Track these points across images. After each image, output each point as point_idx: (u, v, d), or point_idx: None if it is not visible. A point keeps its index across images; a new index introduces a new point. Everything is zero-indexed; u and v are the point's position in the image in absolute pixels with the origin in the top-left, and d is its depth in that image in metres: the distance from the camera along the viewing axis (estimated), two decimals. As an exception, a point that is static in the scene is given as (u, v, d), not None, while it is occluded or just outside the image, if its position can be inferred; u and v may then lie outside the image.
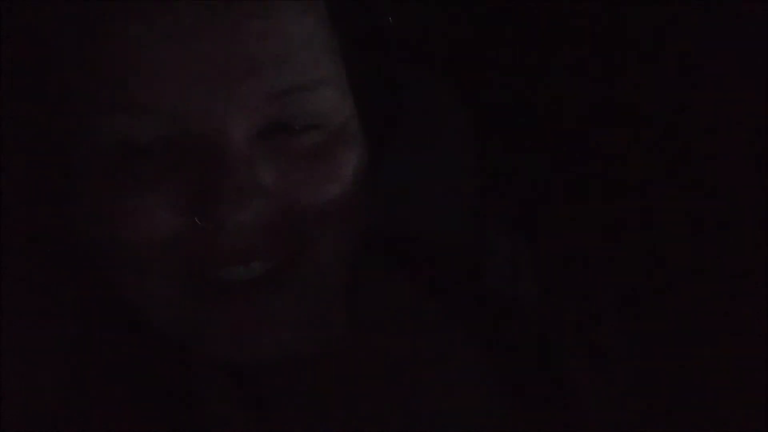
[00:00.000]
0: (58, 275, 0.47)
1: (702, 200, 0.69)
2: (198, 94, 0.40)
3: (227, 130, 0.40)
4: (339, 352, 0.48)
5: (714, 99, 0.71)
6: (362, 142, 0.46)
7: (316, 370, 0.48)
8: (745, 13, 0.72)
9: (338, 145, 0.44)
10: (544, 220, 0.68)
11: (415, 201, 0.52)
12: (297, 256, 0.44)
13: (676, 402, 0.60)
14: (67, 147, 0.43)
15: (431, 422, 0.48)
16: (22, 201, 0.46)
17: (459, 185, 0.63)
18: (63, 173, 0.44)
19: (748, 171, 0.69)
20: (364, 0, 0.47)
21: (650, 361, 0.60)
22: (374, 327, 0.50)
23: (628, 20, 0.76)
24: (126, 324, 0.47)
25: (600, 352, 0.58)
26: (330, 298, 0.46)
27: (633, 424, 0.56)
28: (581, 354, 0.56)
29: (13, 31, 0.43)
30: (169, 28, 0.39)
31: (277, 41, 0.41)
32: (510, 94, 0.75)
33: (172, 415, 0.45)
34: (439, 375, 0.50)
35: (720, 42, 0.72)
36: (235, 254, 0.42)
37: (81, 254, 0.46)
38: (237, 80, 0.40)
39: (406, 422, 0.48)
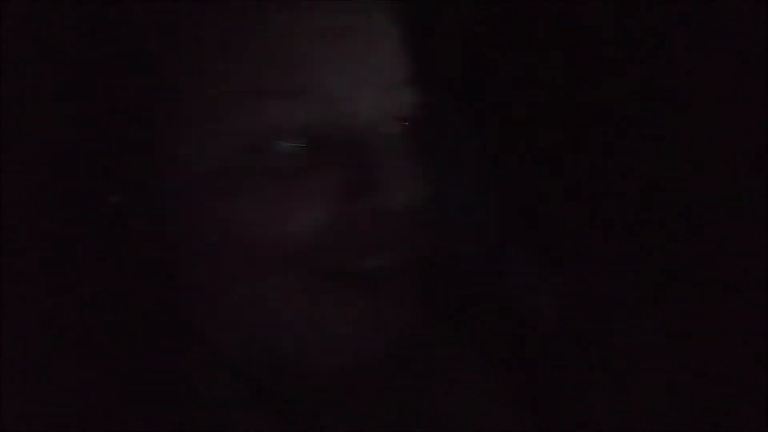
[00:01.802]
0: (72, 275, 0.47)
1: (721, 206, 0.69)
2: (350, 85, 0.43)
3: (372, 120, 0.43)
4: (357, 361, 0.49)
5: (713, 99, 0.71)
6: None
7: (331, 377, 0.48)
8: (745, 13, 0.72)
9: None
10: (561, 237, 0.68)
11: (433, 219, 0.52)
12: (400, 252, 0.45)
13: (693, 418, 0.60)
14: (199, 148, 0.43)
15: None
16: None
17: (476, 203, 0.64)
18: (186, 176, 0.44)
19: (749, 171, 0.69)
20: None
21: (668, 376, 0.61)
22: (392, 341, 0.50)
23: (628, 21, 0.76)
24: (135, 325, 0.46)
25: (618, 368, 0.58)
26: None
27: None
28: (599, 370, 0.56)
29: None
30: (334, 28, 0.42)
31: (392, 42, 0.45)
32: (523, 116, 0.75)
33: (186, 418, 0.45)
34: (456, 391, 0.51)
35: (720, 42, 0.72)
36: (370, 243, 0.43)
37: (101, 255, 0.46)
38: (377, 74, 0.44)
39: None
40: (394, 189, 0.42)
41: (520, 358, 0.53)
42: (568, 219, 0.72)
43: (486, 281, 0.58)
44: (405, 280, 0.45)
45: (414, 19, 0.47)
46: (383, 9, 0.45)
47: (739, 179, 0.69)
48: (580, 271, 0.66)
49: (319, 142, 0.43)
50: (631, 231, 0.72)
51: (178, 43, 0.42)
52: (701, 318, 0.68)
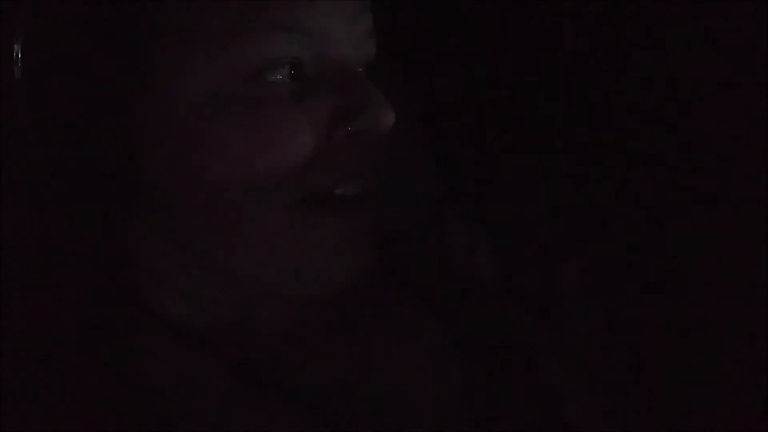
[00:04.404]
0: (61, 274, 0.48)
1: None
2: (340, 25, 0.47)
3: (356, 59, 0.48)
4: (311, 327, 0.52)
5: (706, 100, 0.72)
6: None
7: (292, 346, 0.51)
8: (745, 12, 0.72)
9: None
10: (498, 204, 0.70)
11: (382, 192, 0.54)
12: (375, 179, 0.49)
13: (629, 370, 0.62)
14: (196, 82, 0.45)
15: (395, 396, 0.52)
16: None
17: (418, 174, 0.66)
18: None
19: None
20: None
21: (608, 332, 0.62)
22: (343, 307, 0.53)
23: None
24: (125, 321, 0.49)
25: (558, 326, 0.60)
26: None
27: (594, 397, 0.58)
28: (538, 328, 0.59)
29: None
30: None
31: None
32: (464, 89, 0.77)
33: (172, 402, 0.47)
34: (403, 352, 0.54)
35: (719, 42, 0.72)
36: (346, 170, 0.47)
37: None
38: (362, 20, 0.48)
39: (370, 395, 0.51)
40: (376, 115, 0.46)
41: (460, 313, 0.56)
42: (510, 193, 0.74)
43: (428, 243, 0.61)
44: (373, 207, 0.48)
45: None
46: None
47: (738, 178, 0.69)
48: (517, 237, 0.68)
49: (310, 73, 0.46)
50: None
51: None
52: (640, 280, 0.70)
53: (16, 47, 0.46)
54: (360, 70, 0.48)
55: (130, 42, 0.45)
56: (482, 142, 0.76)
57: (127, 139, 0.46)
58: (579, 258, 0.63)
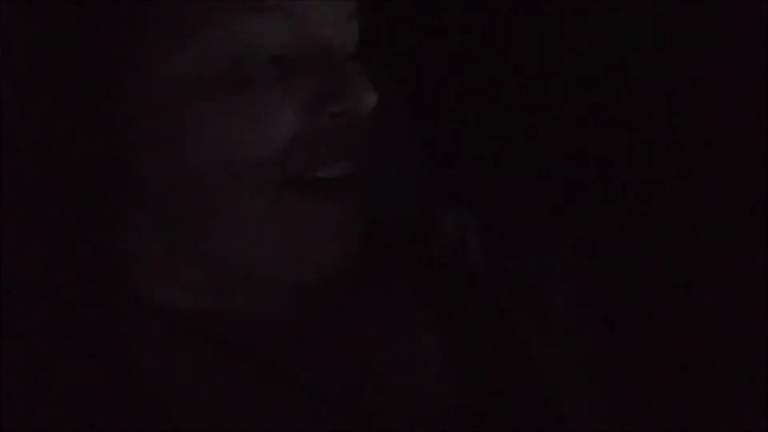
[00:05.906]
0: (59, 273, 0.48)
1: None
2: (320, 8, 0.47)
3: (337, 42, 0.48)
4: (306, 314, 0.52)
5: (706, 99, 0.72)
6: None
7: (283, 328, 0.51)
8: (745, 13, 0.72)
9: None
10: (488, 193, 0.71)
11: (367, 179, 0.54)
12: (360, 162, 0.49)
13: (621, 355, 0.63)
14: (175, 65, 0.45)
15: (384, 380, 0.52)
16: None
17: (407, 162, 0.66)
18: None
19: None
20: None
21: (594, 317, 0.62)
22: (333, 294, 0.53)
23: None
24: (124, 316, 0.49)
25: (546, 312, 0.60)
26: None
27: (582, 384, 0.58)
28: (528, 315, 0.59)
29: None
30: None
31: None
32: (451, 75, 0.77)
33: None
34: (394, 339, 0.54)
35: (719, 42, 0.72)
36: (330, 152, 0.47)
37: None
38: (343, 3, 0.48)
39: (360, 379, 0.51)
40: (357, 97, 0.46)
41: (453, 304, 0.56)
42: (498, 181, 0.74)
43: (418, 231, 0.61)
44: (358, 190, 0.49)
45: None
46: None
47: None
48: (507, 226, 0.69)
49: (291, 56, 0.46)
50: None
51: None
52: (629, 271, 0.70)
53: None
54: (343, 53, 0.48)
55: (112, 27, 0.45)
56: (471, 131, 0.76)
57: (109, 127, 0.47)
58: (568, 249, 0.63)
